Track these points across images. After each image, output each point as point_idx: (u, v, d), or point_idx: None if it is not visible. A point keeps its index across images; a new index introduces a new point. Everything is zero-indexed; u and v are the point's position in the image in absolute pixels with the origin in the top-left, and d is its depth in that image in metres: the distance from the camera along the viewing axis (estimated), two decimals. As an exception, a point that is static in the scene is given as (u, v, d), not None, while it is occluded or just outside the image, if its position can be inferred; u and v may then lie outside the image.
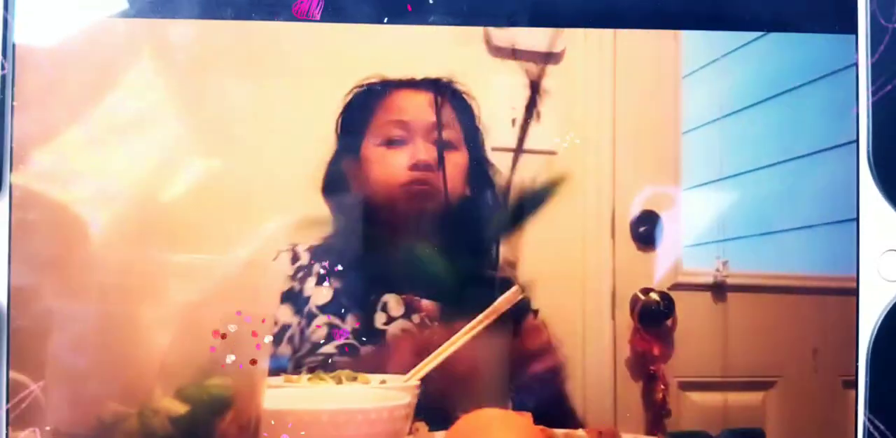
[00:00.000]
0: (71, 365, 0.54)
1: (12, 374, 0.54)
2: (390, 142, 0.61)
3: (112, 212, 0.56)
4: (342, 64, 0.58)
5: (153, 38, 0.57)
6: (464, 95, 0.60)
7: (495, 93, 0.60)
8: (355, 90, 0.59)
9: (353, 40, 0.58)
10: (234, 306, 0.56)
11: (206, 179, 0.57)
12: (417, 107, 0.60)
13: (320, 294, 0.60)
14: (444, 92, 0.60)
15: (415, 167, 0.61)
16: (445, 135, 0.61)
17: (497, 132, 0.60)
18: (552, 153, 0.60)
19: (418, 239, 0.60)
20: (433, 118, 0.60)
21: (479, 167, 0.61)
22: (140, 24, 0.56)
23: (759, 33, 0.59)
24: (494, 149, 0.60)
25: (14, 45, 0.55)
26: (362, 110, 0.59)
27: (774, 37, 0.59)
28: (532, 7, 0.58)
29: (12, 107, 0.55)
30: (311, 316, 0.60)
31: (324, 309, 0.60)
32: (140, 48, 0.57)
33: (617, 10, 0.59)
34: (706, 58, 0.60)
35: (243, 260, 0.57)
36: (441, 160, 0.60)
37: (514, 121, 0.60)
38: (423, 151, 0.60)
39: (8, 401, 0.54)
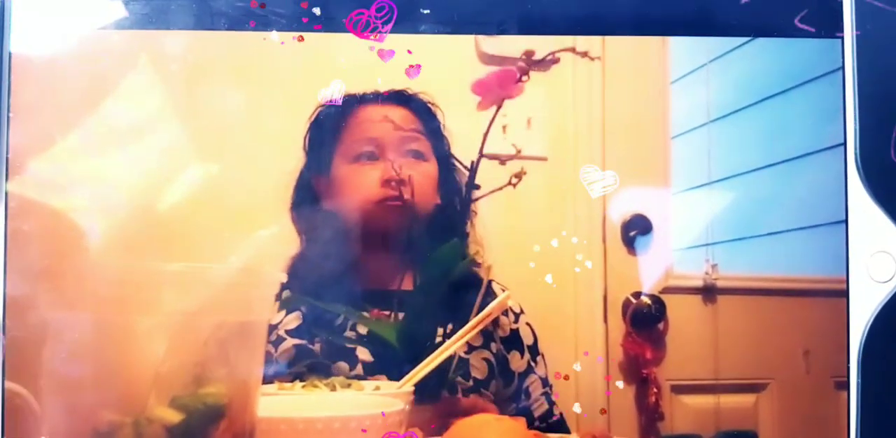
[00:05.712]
0: (66, 375, 0.54)
1: (8, 384, 0.54)
2: (359, 158, 0.61)
3: (107, 221, 0.56)
4: (336, 74, 0.59)
5: (148, 48, 0.57)
6: (428, 105, 0.60)
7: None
8: (320, 107, 0.59)
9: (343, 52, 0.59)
10: (227, 315, 0.56)
11: (201, 188, 0.57)
12: (384, 123, 0.60)
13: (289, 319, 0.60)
14: (408, 103, 0.60)
15: (386, 183, 0.60)
16: (415, 146, 0.61)
17: (489, 139, 0.60)
18: (542, 159, 0.61)
19: (394, 250, 0.60)
20: (401, 133, 0.61)
21: (447, 175, 0.61)
22: (135, 35, 0.57)
23: (746, 38, 0.60)
24: (485, 157, 0.60)
25: (10, 55, 0.56)
26: (328, 127, 0.60)
27: (761, 42, 0.60)
28: (521, 15, 0.59)
29: (8, 116, 0.55)
30: (279, 341, 0.60)
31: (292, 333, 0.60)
32: (135, 58, 0.57)
33: (605, 17, 0.59)
34: (694, 63, 0.60)
35: (237, 268, 0.57)
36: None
37: (504, 128, 0.60)
38: (394, 167, 0.60)
39: (3, 412, 0.54)
